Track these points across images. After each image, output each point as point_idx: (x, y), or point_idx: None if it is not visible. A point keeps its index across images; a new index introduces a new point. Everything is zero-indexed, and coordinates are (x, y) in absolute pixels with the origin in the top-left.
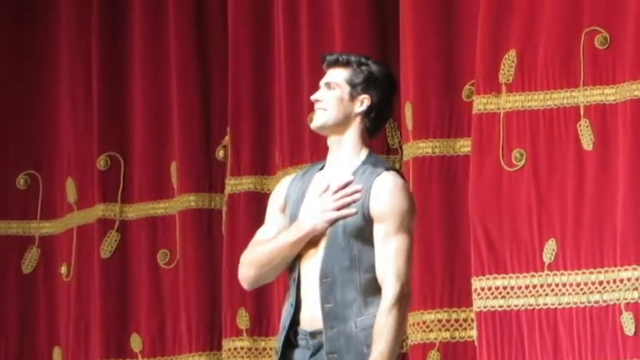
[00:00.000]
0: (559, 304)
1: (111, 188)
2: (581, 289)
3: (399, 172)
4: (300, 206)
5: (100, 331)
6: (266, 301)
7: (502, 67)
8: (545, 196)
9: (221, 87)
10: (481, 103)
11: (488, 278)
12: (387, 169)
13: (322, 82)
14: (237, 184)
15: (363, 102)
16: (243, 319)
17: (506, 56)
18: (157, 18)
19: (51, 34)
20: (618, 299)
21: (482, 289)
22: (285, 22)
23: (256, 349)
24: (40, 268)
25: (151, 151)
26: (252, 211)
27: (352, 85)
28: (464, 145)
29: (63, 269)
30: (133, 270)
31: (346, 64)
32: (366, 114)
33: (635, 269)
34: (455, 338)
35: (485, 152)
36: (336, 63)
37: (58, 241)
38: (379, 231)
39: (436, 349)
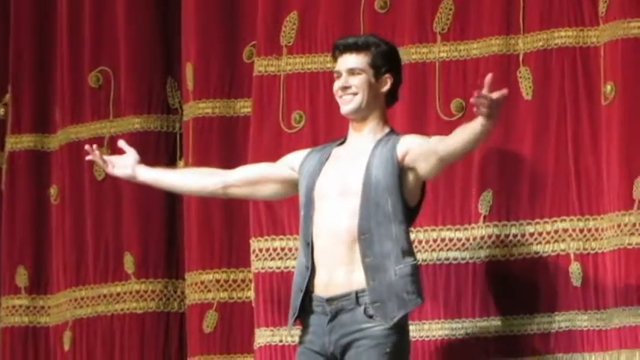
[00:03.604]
0: None
1: None
2: None
3: None
4: (316, 178)
5: None
6: (45, 259)
7: (283, 29)
8: None
9: (2, 44)
10: (262, 65)
11: (266, 239)
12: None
13: (342, 69)
14: (18, 142)
15: (387, 81)
16: (21, 277)
17: (288, 18)
18: None
19: None
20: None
21: (261, 250)
22: None
23: (34, 307)
24: None
25: None
26: (33, 168)
27: (375, 67)
28: (244, 106)
29: None
30: None
31: (366, 47)
32: (388, 91)
33: None
34: (233, 299)
35: (265, 114)
36: (355, 48)
37: None
38: (417, 151)
39: (214, 309)
